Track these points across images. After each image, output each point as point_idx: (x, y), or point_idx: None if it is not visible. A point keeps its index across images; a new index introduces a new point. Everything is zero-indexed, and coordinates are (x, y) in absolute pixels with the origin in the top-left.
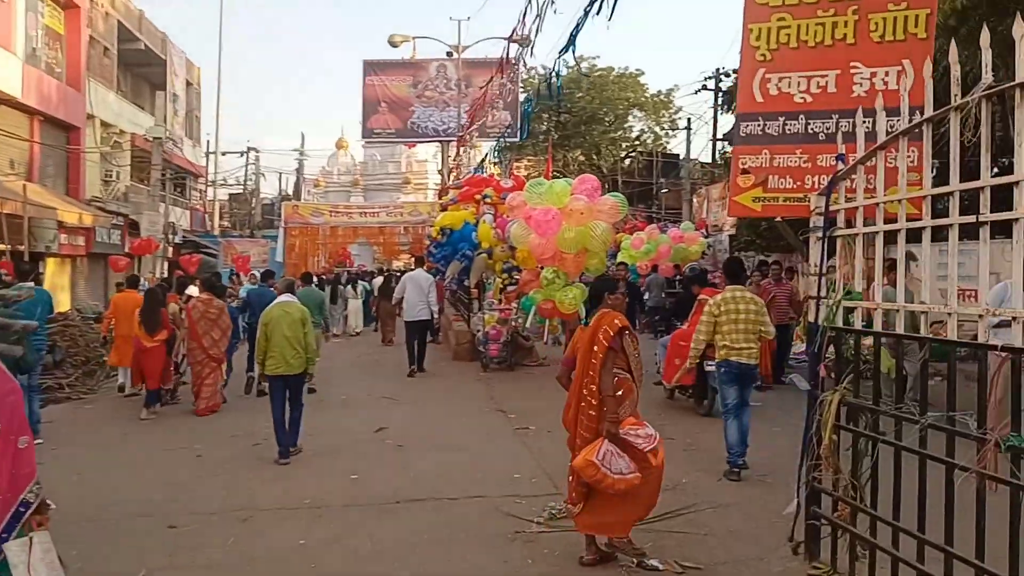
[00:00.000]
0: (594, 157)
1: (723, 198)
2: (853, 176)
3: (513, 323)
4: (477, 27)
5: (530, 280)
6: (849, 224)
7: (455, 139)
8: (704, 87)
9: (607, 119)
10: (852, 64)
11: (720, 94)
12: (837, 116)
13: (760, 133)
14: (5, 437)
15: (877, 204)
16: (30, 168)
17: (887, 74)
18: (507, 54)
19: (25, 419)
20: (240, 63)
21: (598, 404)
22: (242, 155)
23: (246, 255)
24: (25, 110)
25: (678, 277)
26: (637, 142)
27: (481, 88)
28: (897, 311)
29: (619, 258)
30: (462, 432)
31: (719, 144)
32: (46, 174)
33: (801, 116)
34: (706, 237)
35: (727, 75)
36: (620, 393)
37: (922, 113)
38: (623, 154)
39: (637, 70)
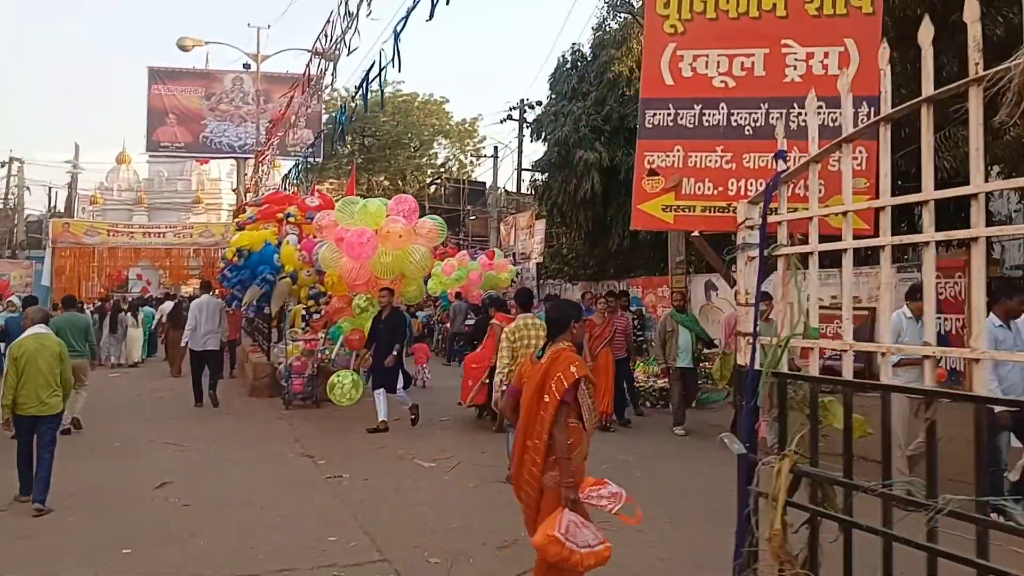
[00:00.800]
0: (399, 183)
1: (530, 226)
2: (796, 180)
3: (320, 354)
4: (277, 36)
5: (340, 308)
6: (794, 241)
7: (252, 156)
8: (510, 116)
9: (412, 144)
10: (784, 42)
11: (525, 123)
12: (767, 106)
13: (671, 124)
14: None
15: (844, 214)
16: None
17: (826, 55)
18: (310, 68)
19: None
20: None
21: (542, 460)
22: (3, 166)
23: (3, 279)
24: None
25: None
26: (443, 169)
27: (280, 103)
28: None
29: (430, 285)
30: (263, 484)
31: (525, 173)
32: None
33: (722, 105)
34: (514, 265)
35: (531, 106)
36: (570, 442)
37: (870, 104)
38: (428, 180)
39: (442, 97)
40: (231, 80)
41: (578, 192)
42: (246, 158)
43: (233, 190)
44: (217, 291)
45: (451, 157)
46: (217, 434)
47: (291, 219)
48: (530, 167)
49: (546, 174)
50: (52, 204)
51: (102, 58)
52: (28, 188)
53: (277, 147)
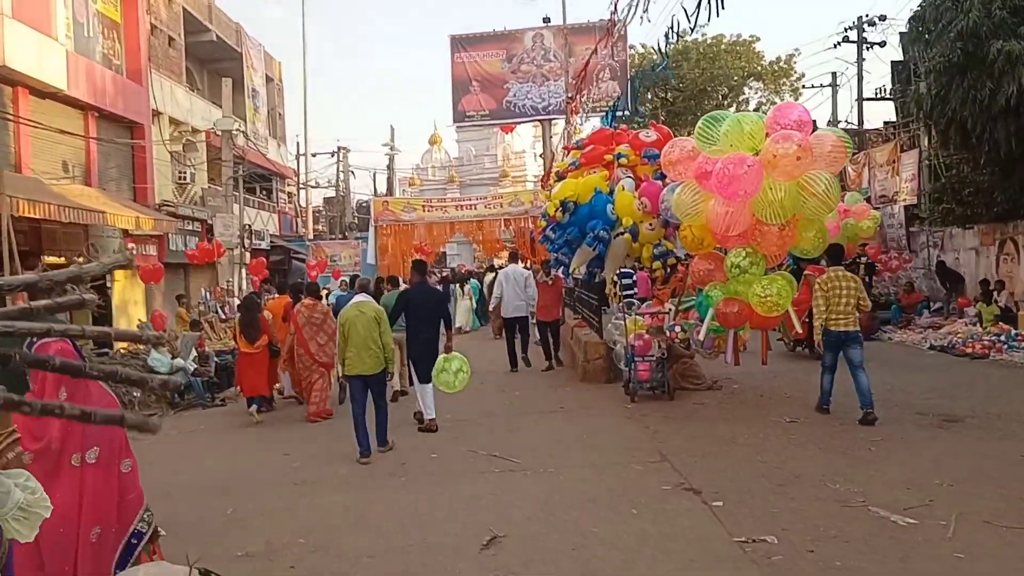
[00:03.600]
0: None
1: (892, 162)
2: None
3: (669, 331)
4: None
5: (707, 270)
6: None
7: (557, 117)
8: (845, 39)
9: (720, 92)
10: None
11: (865, 44)
12: None
13: None
14: (108, 463)
15: None
16: (87, 170)
17: None
18: (615, 10)
19: (127, 440)
20: (322, 59)
21: None
22: (333, 155)
23: (336, 265)
24: (77, 105)
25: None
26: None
27: (585, 55)
28: None
29: None
30: (639, 547)
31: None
32: (108, 177)
33: None
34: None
35: (872, 23)
36: None
37: None
38: None
39: (752, 36)
40: (531, 38)
41: (994, 99)
42: (551, 119)
43: (541, 156)
44: (528, 261)
45: (764, 101)
46: (551, 438)
47: (623, 160)
48: (874, 97)
49: (933, 85)
50: (376, 187)
51: (412, 44)
52: (353, 173)
53: (583, 103)
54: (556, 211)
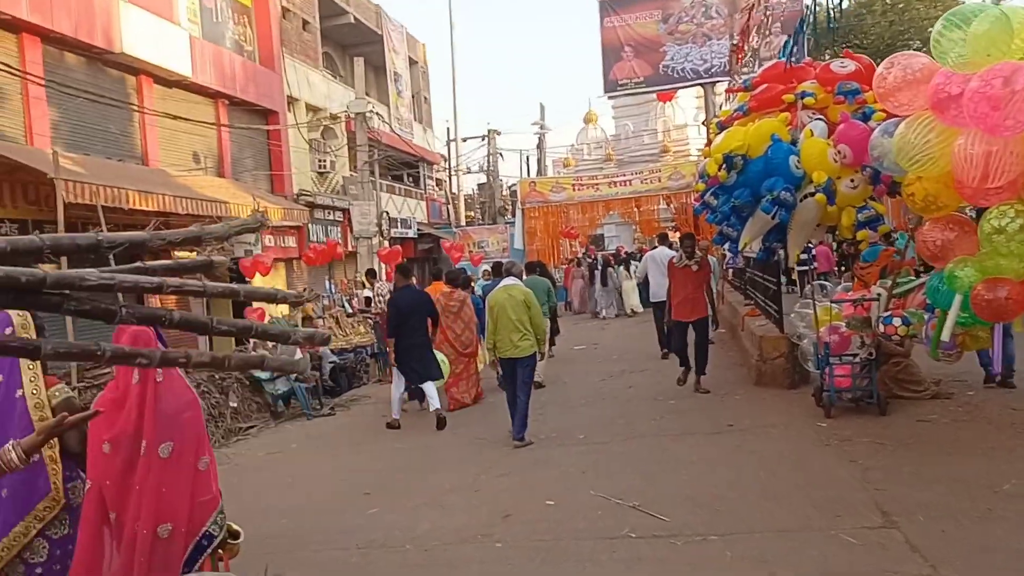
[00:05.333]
0: None
1: None
2: None
3: (885, 325)
4: None
5: (945, 240)
6: None
7: (721, 79)
8: None
9: (913, 46)
10: None
11: None
12: None
13: None
14: (181, 457)
15: None
16: (220, 161)
17: None
18: None
19: (206, 436)
20: (470, 39)
21: None
22: (484, 139)
23: (478, 252)
24: (205, 92)
25: None
26: None
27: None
28: None
29: None
30: None
31: None
32: (242, 167)
33: None
34: None
35: None
36: None
37: None
38: None
39: None
40: None
41: None
42: (715, 82)
43: (704, 123)
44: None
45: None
46: (716, 478)
47: (808, 100)
48: None
49: None
50: (526, 168)
51: (561, 13)
52: (501, 155)
53: (749, 61)
54: (719, 169)
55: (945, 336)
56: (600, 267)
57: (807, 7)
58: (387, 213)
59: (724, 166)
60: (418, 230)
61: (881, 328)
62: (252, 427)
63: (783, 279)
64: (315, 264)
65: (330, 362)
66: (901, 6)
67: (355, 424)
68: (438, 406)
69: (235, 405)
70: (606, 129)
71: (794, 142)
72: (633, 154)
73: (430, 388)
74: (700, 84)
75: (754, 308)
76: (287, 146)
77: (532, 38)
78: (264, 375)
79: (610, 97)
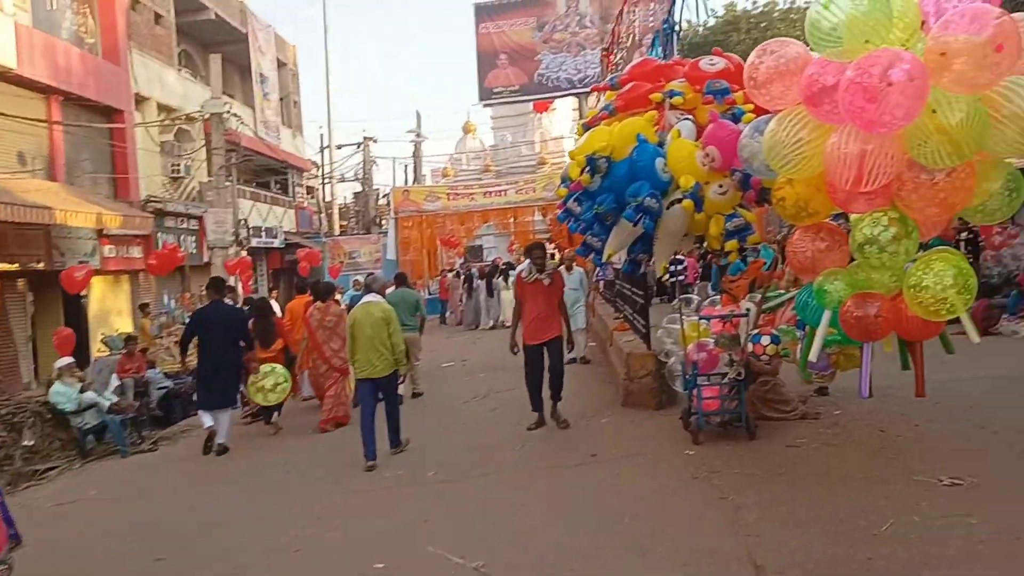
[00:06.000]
0: None
1: None
2: None
3: (753, 344)
4: None
5: (816, 250)
6: None
7: (595, 88)
8: None
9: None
10: None
11: None
12: None
13: None
14: None
15: None
16: (51, 163)
17: None
18: None
19: None
20: (345, 44)
21: None
22: (358, 146)
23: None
24: (34, 87)
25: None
26: None
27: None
28: None
29: None
30: None
31: None
32: (79, 170)
33: None
34: None
35: None
36: None
37: None
38: None
39: (807, 3)
40: (564, 2)
41: None
42: (589, 92)
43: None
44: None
45: None
46: (573, 522)
47: (677, 100)
48: None
49: None
50: (404, 177)
51: (437, 19)
52: (376, 163)
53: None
54: (581, 172)
55: (813, 356)
56: (479, 278)
57: (669, 22)
58: (245, 221)
59: (587, 169)
60: (285, 240)
61: (750, 347)
62: (53, 468)
63: (654, 291)
64: (158, 273)
65: (161, 388)
66: (764, 24)
67: (178, 461)
68: (223, 440)
69: (30, 443)
70: (485, 140)
71: (661, 144)
72: (512, 165)
73: (223, 418)
74: (574, 94)
75: (623, 322)
76: (133, 148)
77: (411, 45)
78: (69, 405)
79: (485, 105)
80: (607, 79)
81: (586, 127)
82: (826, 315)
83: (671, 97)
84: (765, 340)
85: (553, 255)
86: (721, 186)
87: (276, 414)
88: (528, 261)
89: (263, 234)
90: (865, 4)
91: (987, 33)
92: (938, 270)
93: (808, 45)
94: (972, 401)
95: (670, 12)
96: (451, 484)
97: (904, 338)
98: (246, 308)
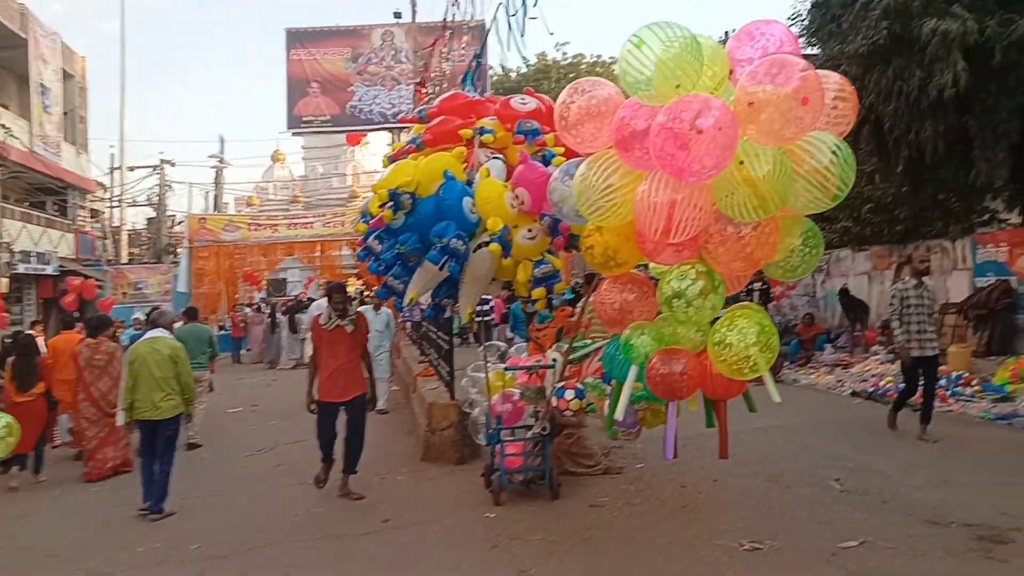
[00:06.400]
0: None
1: None
2: None
3: (557, 398)
4: None
5: (623, 302)
6: None
7: (410, 124)
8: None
9: None
10: None
11: None
12: None
13: None
14: None
15: None
16: None
17: None
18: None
19: None
20: (144, 59)
21: None
22: (154, 169)
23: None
24: None
25: (752, 283)
26: None
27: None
28: None
29: None
30: None
31: None
32: None
33: None
34: None
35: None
36: None
37: None
38: None
39: (612, 59)
40: (380, 36)
41: (924, 91)
42: (401, 128)
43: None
44: (361, 284)
45: None
46: None
47: (487, 137)
48: None
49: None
50: (204, 204)
51: (248, 43)
52: (170, 186)
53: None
54: (383, 207)
55: (619, 415)
56: (283, 313)
57: (478, 57)
58: (7, 244)
59: (390, 204)
60: (60, 267)
61: (554, 401)
62: None
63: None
64: None
65: None
66: (572, 76)
67: None
68: None
69: None
70: (295, 170)
71: (470, 182)
72: (322, 197)
73: None
74: (387, 128)
75: (428, 367)
76: None
77: (219, 67)
78: None
79: (294, 133)
80: (415, 111)
81: (391, 160)
82: (633, 370)
83: (481, 134)
84: (569, 394)
85: (360, 296)
86: (530, 230)
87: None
88: (327, 305)
89: (33, 259)
90: (676, 47)
91: (793, 85)
92: (741, 327)
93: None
94: (764, 452)
95: (482, 47)
96: (216, 561)
97: (709, 396)
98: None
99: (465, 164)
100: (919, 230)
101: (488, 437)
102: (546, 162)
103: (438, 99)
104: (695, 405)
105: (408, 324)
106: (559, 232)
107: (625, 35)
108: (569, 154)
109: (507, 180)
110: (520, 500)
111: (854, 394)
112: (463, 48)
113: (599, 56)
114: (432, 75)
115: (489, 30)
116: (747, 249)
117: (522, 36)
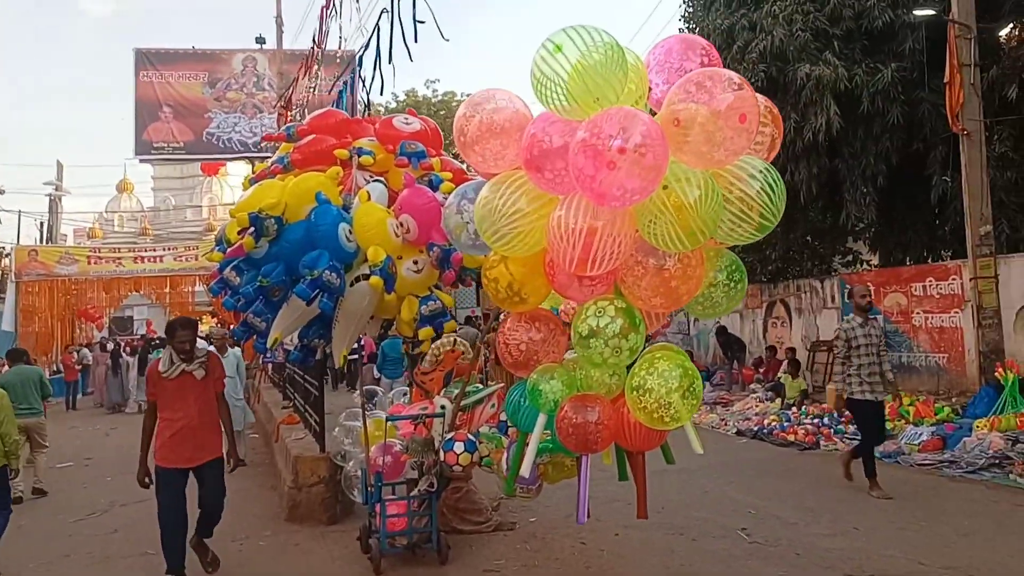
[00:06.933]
0: None
1: None
2: None
3: (445, 452)
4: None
5: (530, 342)
6: None
7: (265, 155)
8: None
9: (452, 150)
10: None
11: None
12: None
13: None
14: None
15: None
16: None
17: None
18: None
19: None
20: None
21: None
22: None
23: None
24: None
25: None
26: None
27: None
28: None
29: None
30: None
31: None
32: None
33: None
34: None
35: None
36: None
37: None
38: None
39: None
40: (241, 61)
41: (799, 134)
42: (263, 157)
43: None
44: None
45: None
46: None
47: (365, 159)
48: None
49: None
50: (41, 235)
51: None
52: None
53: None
54: (243, 233)
55: (525, 471)
56: (130, 354)
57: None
58: None
59: (251, 230)
60: None
61: (442, 455)
62: None
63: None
64: None
65: None
66: (443, 112)
67: None
68: None
69: None
70: (144, 201)
71: (347, 208)
72: (174, 230)
73: None
74: (248, 158)
75: (293, 414)
76: None
77: (61, 87)
78: None
79: (142, 160)
80: (283, 128)
81: (253, 182)
82: (540, 419)
83: (360, 155)
84: (459, 447)
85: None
86: (416, 262)
87: None
88: (168, 348)
89: None
90: (598, 55)
91: (727, 101)
92: (662, 370)
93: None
94: (664, 500)
95: (352, 78)
96: None
97: (625, 447)
98: None
99: (340, 187)
100: (789, 270)
101: (366, 495)
102: (433, 187)
103: (309, 116)
104: (609, 459)
105: (269, 365)
106: (450, 264)
107: (494, 75)
108: (457, 179)
109: (390, 206)
110: (403, 566)
111: (739, 433)
112: (332, 79)
113: (466, 94)
114: (301, 98)
115: (361, 55)
116: (671, 283)
117: (390, 63)
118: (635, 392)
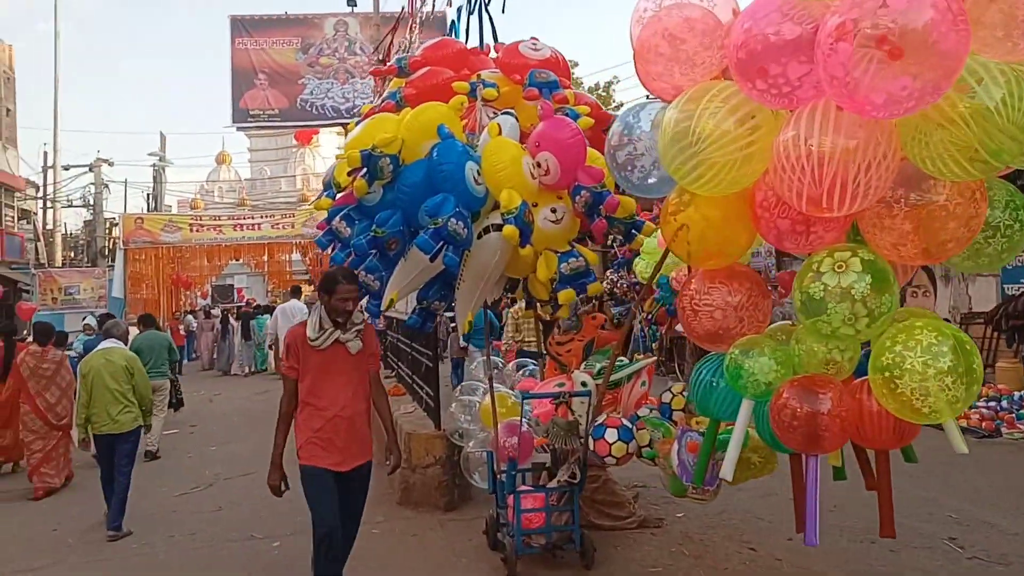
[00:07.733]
0: None
1: None
2: None
3: (595, 439)
4: None
5: (728, 306)
6: None
7: (376, 72)
8: None
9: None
10: None
11: None
12: None
13: None
14: None
15: None
16: None
17: None
18: None
19: None
20: (81, 54)
21: None
22: (90, 168)
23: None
24: None
25: None
26: None
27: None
28: None
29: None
30: None
31: None
32: None
33: None
34: None
35: None
36: None
37: None
38: None
39: (571, 61)
40: (333, 25)
41: None
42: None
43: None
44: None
45: None
46: None
47: (489, 92)
48: None
49: None
50: (146, 205)
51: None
52: (107, 186)
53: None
54: (353, 175)
55: (726, 472)
56: (235, 319)
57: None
58: None
59: (363, 171)
60: None
61: (591, 444)
62: None
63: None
64: None
65: None
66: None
67: None
68: None
69: None
70: (241, 172)
71: (473, 146)
72: (270, 200)
73: None
74: (341, 124)
75: (398, 384)
76: None
77: (162, 62)
78: None
79: (239, 128)
80: (393, 60)
81: (360, 123)
82: (745, 406)
83: (482, 87)
84: (611, 435)
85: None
86: (554, 210)
87: None
88: (317, 307)
89: None
90: None
91: None
92: (928, 344)
93: None
94: (831, 495)
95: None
96: None
97: (861, 444)
98: None
99: (464, 123)
100: None
101: (492, 483)
102: (575, 118)
103: (422, 46)
104: (835, 459)
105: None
106: (598, 212)
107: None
108: (596, 115)
109: (523, 143)
110: (542, 567)
111: None
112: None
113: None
114: (397, 51)
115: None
116: (937, 225)
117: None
118: (883, 373)
